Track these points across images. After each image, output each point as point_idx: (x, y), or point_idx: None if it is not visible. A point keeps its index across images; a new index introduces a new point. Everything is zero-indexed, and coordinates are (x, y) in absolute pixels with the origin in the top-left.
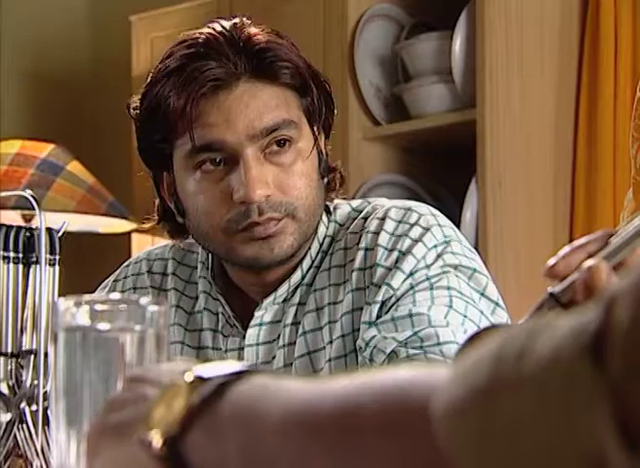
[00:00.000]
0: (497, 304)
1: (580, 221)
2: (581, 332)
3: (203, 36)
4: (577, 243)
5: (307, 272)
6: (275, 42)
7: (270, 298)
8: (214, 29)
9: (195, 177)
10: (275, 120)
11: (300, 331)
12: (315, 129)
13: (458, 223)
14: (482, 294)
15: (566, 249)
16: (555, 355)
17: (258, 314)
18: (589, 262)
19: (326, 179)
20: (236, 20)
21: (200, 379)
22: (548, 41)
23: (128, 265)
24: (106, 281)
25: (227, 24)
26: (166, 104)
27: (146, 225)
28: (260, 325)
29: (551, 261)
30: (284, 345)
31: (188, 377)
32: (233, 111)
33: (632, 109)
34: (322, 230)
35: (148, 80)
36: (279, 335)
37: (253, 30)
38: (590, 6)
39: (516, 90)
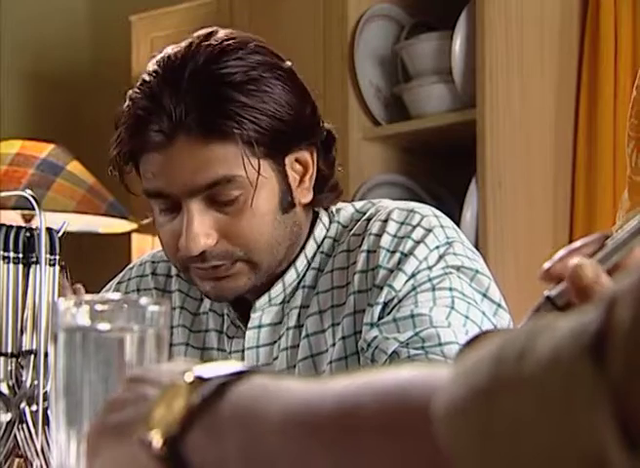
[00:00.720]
0: (499, 305)
1: (580, 221)
2: (582, 333)
3: (152, 75)
4: (572, 246)
5: (306, 273)
6: (232, 92)
7: (265, 299)
8: (168, 67)
9: (156, 211)
10: (214, 177)
11: (304, 333)
12: (285, 161)
13: (458, 223)
14: (484, 296)
15: (562, 252)
16: (556, 355)
17: (254, 316)
18: (574, 260)
19: (309, 197)
20: (208, 43)
21: (200, 379)
22: (548, 41)
23: (132, 267)
24: (110, 283)
25: (191, 49)
26: (123, 147)
27: (146, 221)
28: (260, 327)
29: (547, 265)
30: (286, 348)
31: (188, 377)
32: (172, 167)
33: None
34: (321, 232)
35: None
36: (280, 338)
37: (213, 68)
38: (590, 6)
39: (516, 90)
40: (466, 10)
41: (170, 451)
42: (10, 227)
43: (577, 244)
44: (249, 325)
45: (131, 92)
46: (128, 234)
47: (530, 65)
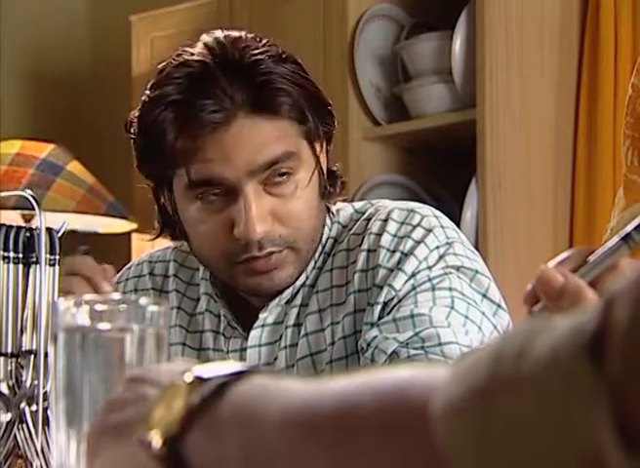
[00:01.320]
0: (498, 306)
1: (579, 221)
2: (580, 332)
3: (200, 64)
4: (552, 262)
5: (311, 273)
6: (274, 71)
7: (276, 301)
8: (211, 54)
9: (196, 206)
10: (275, 153)
11: (303, 332)
12: (317, 149)
13: (458, 223)
14: (484, 296)
15: (542, 268)
16: (554, 355)
17: (262, 316)
18: (538, 272)
19: (327, 187)
20: (233, 37)
21: (200, 380)
22: (548, 41)
23: (129, 268)
24: None
25: (225, 46)
26: (164, 138)
27: (149, 237)
28: (263, 326)
29: (528, 287)
30: (286, 346)
31: (188, 378)
32: (232, 148)
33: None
34: (325, 232)
35: (145, 101)
36: (281, 336)
37: (252, 55)
38: (590, 6)
39: (516, 90)
40: (466, 10)
41: (169, 451)
42: (10, 227)
43: (557, 259)
44: (255, 324)
45: (156, 92)
46: (128, 234)
47: (530, 65)
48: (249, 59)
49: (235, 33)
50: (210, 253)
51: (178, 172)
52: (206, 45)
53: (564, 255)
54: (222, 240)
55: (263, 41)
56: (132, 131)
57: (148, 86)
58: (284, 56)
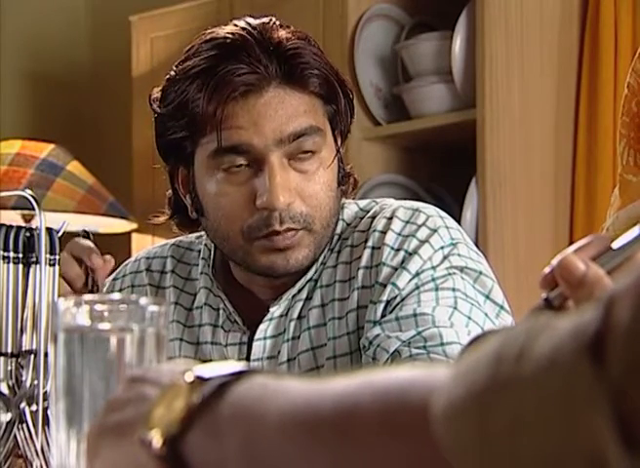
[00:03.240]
0: (501, 307)
1: (580, 221)
2: (581, 333)
3: (232, 36)
4: (569, 250)
5: (317, 268)
6: (305, 48)
7: (286, 294)
8: (243, 29)
9: (217, 178)
10: (303, 126)
11: (305, 326)
12: (337, 137)
13: (458, 223)
14: (487, 297)
15: (559, 257)
16: (555, 355)
17: (272, 309)
18: (559, 256)
19: (344, 178)
20: (265, 20)
21: (200, 379)
22: (548, 41)
23: (127, 264)
24: (106, 280)
25: (257, 24)
26: (194, 105)
27: (160, 219)
28: (271, 319)
29: (545, 271)
30: (288, 339)
31: (188, 377)
32: (262, 115)
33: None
34: None
35: (172, 75)
36: (285, 329)
37: (283, 33)
38: (590, 6)
39: (516, 90)
40: (466, 10)
41: (170, 451)
42: (10, 227)
43: (573, 247)
44: (265, 318)
45: (190, 62)
46: (128, 234)
47: (530, 65)
48: (280, 36)
49: (262, 19)
50: (228, 229)
51: (203, 141)
52: (236, 25)
53: (584, 241)
54: (244, 213)
55: (289, 26)
56: (156, 106)
57: (175, 64)
58: (311, 39)
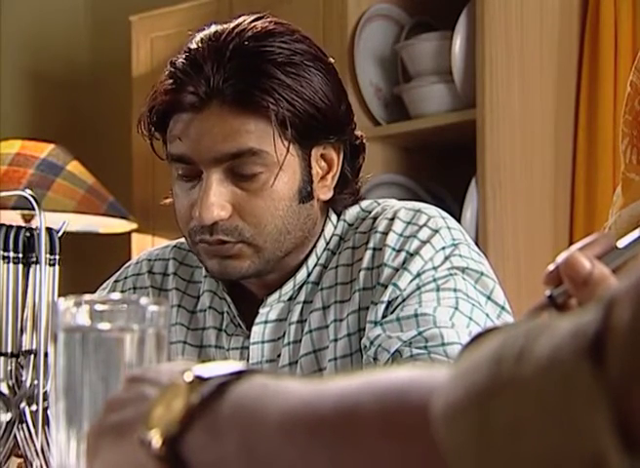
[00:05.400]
0: (503, 308)
1: (580, 221)
2: (581, 334)
3: (199, 42)
4: (574, 247)
5: (313, 270)
6: (267, 70)
7: (275, 296)
8: (219, 31)
9: (176, 180)
10: (239, 147)
11: (307, 329)
12: (312, 152)
13: (458, 223)
14: (488, 298)
15: (564, 254)
16: (555, 356)
17: (263, 311)
18: (564, 254)
19: (330, 194)
20: (258, 24)
21: (200, 379)
22: (548, 41)
23: (128, 266)
24: (107, 281)
25: (240, 27)
26: (155, 104)
27: (167, 200)
28: (266, 322)
29: (549, 268)
30: (289, 343)
31: (188, 377)
32: (200, 132)
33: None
34: (330, 229)
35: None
36: (284, 333)
37: (257, 45)
38: (590, 6)
39: (516, 90)
40: (466, 10)
41: (169, 451)
42: (10, 227)
43: (578, 245)
44: (256, 320)
45: (173, 58)
46: (128, 234)
47: (530, 65)
48: (251, 48)
49: (268, 21)
50: (182, 227)
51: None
52: (229, 23)
53: (589, 239)
54: (187, 217)
55: (291, 36)
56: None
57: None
58: (307, 55)
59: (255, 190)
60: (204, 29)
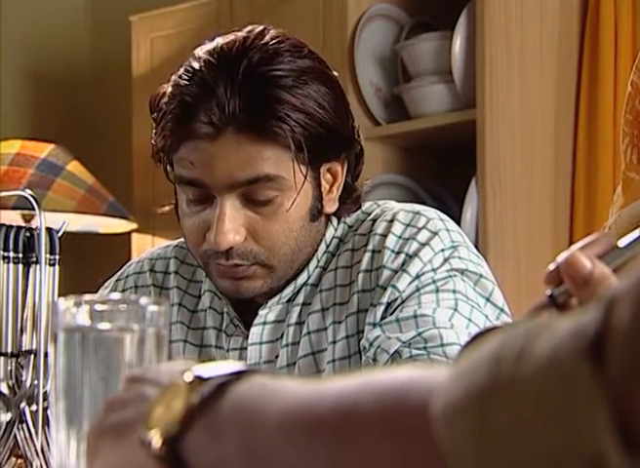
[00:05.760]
0: (502, 310)
1: (580, 221)
2: (581, 334)
3: (199, 67)
4: (575, 247)
5: (313, 272)
6: (279, 97)
7: (276, 299)
8: (225, 51)
9: (184, 200)
10: (256, 173)
11: (305, 331)
12: (321, 171)
13: (458, 223)
14: (487, 300)
15: (565, 253)
16: (554, 356)
17: (262, 313)
18: (565, 253)
19: (335, 207)
20: (260, 43)
21: (199, 379)
22: (548, 41)
23: (130, 265)
24: (109, 280)
25: (245, 46)
26: (161, 136)
27: (165, 208)
28: (264, 324)
29: (550, 267)
30: (287, 344)
31: (188, 377)
32: (215, 158)
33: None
34: (330, 232)
35: (162, 92)
36: (282, 335)
37: (265, 69)
38: (590, 6)
39: (516, 90)
40: (466, 10)
41: (169, 451)
42: (10, 227)
43: (579, 244)
44: (255, 321)
45: (175, 78)
46: (128, 234)
47: (530, 65)
48: (261, 73)
49: (273, 36)
50: (191, 247)
51: (174, 160)
52: (232, 37)
53: (590, 239)
54: (199, 238)
55: (301, 51)
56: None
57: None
58: (310, 72)
59: (269, 214)
60: (205, 44)
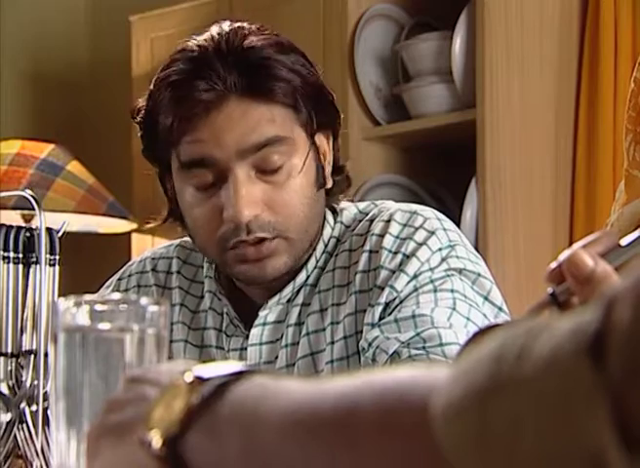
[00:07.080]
0: (500, 309)
1: (580, 221)
2: (581, 333)
3: (198, 48)
4: (577, 245)
5: (312, 272)
6: (271, 57)
7: (275, 299)
8: (211, 38)
9: (189, 190)
10: (265, 136)
11: (304, 331)
12: (315, 139)
13: (458, 223)
14: (486, 299)
15: (567, 252)
16: (555, 355)
17: (262, 314)
18: (567, 252)
19: (331, 183)
20: (237, 26)
21: (200, 380)
22: (548, 41)
23: (132, 264)
24: (111, 279)
25: (226, 31)
26: (158, 121)
27: (150, 225)
28: (264, 324)
29: (552, 265)
30: (287, 345)
31: (188, 378)
32: (223, 129)
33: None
34: (327, 231)
35: (150, 87)
36: (282, 335)
37: (250, 41)
38: (590, 6)
39: (516, 90)
40: (466, 10)
41: (169, 451)
42: (10, 227)
43: (581, 243)
44: (255, 322)
45: (161, 74)
46: (128, 234)
47: (530, 65)
48: (247, 45)
49: (240, 24)
50: (203, 239)
51: (173, 155)
52: (209, 32)
53: (592, 237)
54: (214, 224)
55: (267, 31)
56: (137, 117)
57: (156, 73)
58: (287, 45)
59: (281, 183)
60: (184, 40)
